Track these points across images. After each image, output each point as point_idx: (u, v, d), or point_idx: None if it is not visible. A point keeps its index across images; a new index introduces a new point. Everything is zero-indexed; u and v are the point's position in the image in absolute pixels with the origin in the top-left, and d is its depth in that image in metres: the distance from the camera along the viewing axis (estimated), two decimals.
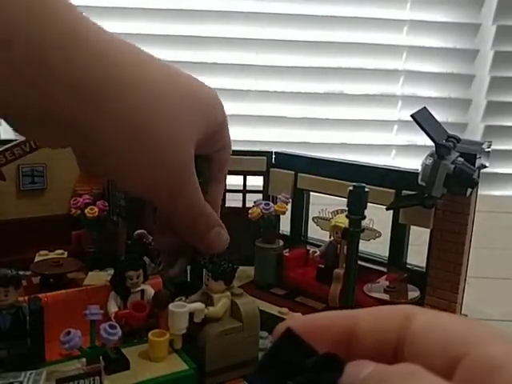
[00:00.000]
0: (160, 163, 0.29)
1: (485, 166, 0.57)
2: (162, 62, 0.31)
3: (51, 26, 0.24)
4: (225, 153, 0.37)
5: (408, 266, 0.65)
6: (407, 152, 1.49)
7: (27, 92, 0.25)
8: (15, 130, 0.28)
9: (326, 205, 0.68)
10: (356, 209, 0.49)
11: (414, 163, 0.61)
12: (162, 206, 0.36)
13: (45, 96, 0.25)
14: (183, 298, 0.49)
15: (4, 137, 1.41)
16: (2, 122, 1.17)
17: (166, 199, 0.33)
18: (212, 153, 0.36)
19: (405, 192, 0.61)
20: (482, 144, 0.57)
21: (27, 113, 0.26)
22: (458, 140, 0.56)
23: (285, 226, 0.74)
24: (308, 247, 0.70)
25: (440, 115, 0.85)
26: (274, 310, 0.62)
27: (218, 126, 0.34)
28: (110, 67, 0.26)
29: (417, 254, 0.65)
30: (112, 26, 0.27)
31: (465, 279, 0.61)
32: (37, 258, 0.68)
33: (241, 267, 0.61)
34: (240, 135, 1.05)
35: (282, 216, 0.73)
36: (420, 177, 0.55)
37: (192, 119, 0.31)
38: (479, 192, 0.59)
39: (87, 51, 0.26)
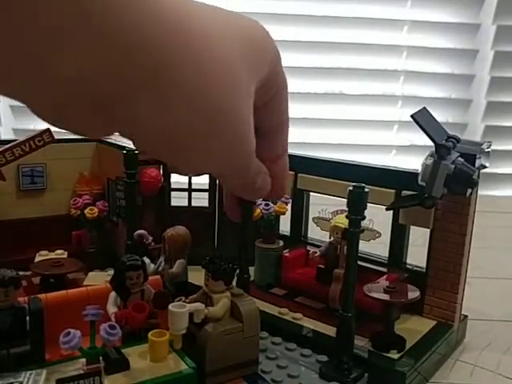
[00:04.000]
0: (220, 133, 0.26)
1: (485, 167, 0.57)
2: (211, 6, 0.27)
3: None
4: (282, 94, 0.31)
5: (408, 267, 0.65)
6: (407, 152, 1.49)
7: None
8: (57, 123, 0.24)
9: (326, 205, 0.68)
10: (356, 209, 0.49)
11: (414, 163, 0.61)
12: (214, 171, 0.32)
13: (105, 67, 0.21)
14: (183, 298, 0.49)
15: (4, 137, 1.41)
16: (2, 122, 1.18)
17: (222, 166, 0.29)
18: (268, 100, 0.31)
19: (405, 192, 0.61)
20: (482, 144, 0.57)
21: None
22: (458, 140, 0.56)
23: (285, 226, 0.75)
24: (308, 247, 0.70)
25: (440, 115, 0.85)
26: (273, 310, 0.62)
27: (273, 69, 0.29)
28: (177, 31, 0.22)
29: (417, 254, 0.65)
30: None
31: (465, 279, 0.61)
32: (37, 258, 0.68)
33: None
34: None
35: (281, 216, 0.73)
36: (420, 177, 0.55)
37: (252, 73, 0.27)
38: (479, 192, 0.59)
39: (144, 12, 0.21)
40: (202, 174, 0.34)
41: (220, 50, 0.25)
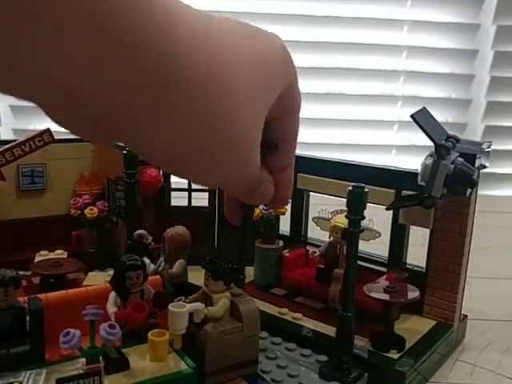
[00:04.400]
0: (229, 150, 0.25)
1: (484, 166, 0.57)
2: (228, 19, 0.27)
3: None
4: (295, 112, 0.31)
5: (408, 266, 0.65)
6: (407, 152, 1.49)
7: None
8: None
9: (326, 205, 0.68)
10: (355, 209, 0.49)
11: (413, 163, 0.61)
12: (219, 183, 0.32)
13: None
14: (183, 298, 0.49)
15: (4, 137, 1.41)
16: (2, 122, 1.18)
17: (227, 178, 0.29)
18: (282, 115, 0.31)
19: (404, 192, 0.61)
20: (482, 144, 0.57)
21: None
22: (458, 140, 0.56)
23: (284, 226, 0.75)
24: (308, 247, 0.70)
25: (440, 115, 0.85)
26: (273, 310, 0.62)
27: (290, 90, 0.29)
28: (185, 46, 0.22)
29: (416, 254, 0.65)
30: None
31: (464, 279, 0.61)
32: (37, 258, 0.68)
33: None
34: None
35: (281, 216, 0.73)
36: (420, 177, 0.55)
37: (265, 97, 0.27)
38: (479, 192, 0.59)
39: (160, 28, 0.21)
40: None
41: (235, 77, 0.24)
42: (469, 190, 0.55)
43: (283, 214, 0.72)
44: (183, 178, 0.29)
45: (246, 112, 0.25)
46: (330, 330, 0.55)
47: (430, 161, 0.54)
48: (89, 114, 0.22)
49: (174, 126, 0.23)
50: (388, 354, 0.53)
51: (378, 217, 0.61)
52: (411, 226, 0.64)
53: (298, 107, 0.32)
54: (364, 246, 0.60)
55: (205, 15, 0.25)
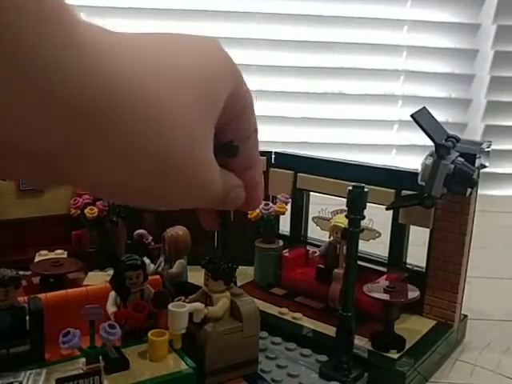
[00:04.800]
0: (179, 179, 0.25)
1: (485, 166, 0.57)
2: (156, 35, 0.26)
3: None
4: (245, 112, 0.31)
5: (408, 266, 0.65)
6: (407, 152, 1.49)
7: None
8: None
9: (326, 205, 0.68)
10: (356, 209, 0.49)
11: (414, 163, 0.61)
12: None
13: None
14: (183, 298, 0.49)
15: None
16: None
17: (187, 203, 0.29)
18: (232, 118, 0.30)
19: (404, 192, 0.61)
20: (482, 144, 0.57)
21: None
22: (458, 140, 0.56)
23: (284, 226, 0.75)
24: (308, 247, 0.70)
25: (440, 115, 0.85)
26: (273, 309, 0.62)
27: (235, 93, 0.28)
28: (111, 82, 0.21)
29: (416, 253, 0.65)
30: (108, 24, 0.25)
31: (465, 279, 0.61)
32: (37, 258, 0.68)
33: (241, 267, 0.61)
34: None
35: (281, 216, 0.73)
36: (420, 176, 0.55)
37: (209, 111, 0.26)
38: (479, 192, 0.59)
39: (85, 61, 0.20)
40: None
41: (173, 103, 0.24)
42: (469, 190, 0.55)
43: (283, 213, 0.72)
44: (135, 205, 0.28)
45: (188, 135, 0.25)
46: (330, 330, 0.55)
47: (430, 160, 0.54)
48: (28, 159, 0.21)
49: (111, 159, 0.23)
50: (388, 354, 0.53)
51: (378, 217, 0.61)
52: (411, 226, 0.64)
53: (250, 105, 0.31)
54: (364, 246, 0.60)
55: (130, 36, 0.24)
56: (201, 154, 0.26)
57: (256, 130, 0.33)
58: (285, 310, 0.62)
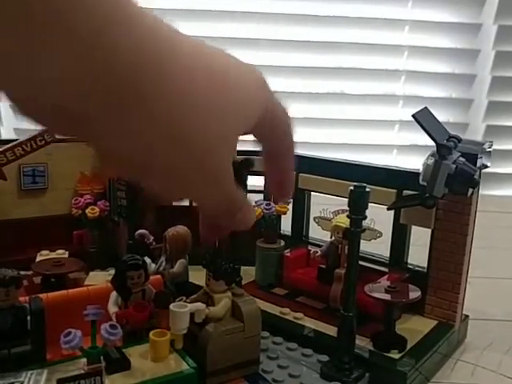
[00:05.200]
0: (201, 172, 0.27)
1: (486, 166, 0.57)
2: (214, 53, 0.28)
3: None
4: (279, 129, 0.34)
5: (409, 266, 0.65)
6: (409, 152, 1.49)
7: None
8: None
9: (327, 205, 0.68)
10: (357, 209, 0.49)
11: (415, 163, 0.60)
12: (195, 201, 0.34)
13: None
14: (184, 298, 0.49)
15: (5, 137, 1.41)
16: (4, 121, 1.17)
17: (201, 200, 0.31)
18: (267, 134, 0.33)
19: (406, 192, 0.61)
20: (484, 144, 0.57)
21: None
22: (459, 140, 0.56)
23: (286, 226, 0.74)
24: (309, 247, 0.70)
25: (441, 115, 0.85)
26: (275, 310, 0.62)
27: (267, 109, 0.31)
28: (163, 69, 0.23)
29: (418, 254, 0.65)
30: None
31: (466, 279, 0.61)
32: (38, 258, 0.68)
33: (242, 267, 0.61)
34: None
35: (283, 216, 0.73)
36: (421, 177, 0.55)
37: (239, 113, 0.28)
38: (480, 192, 0.59)
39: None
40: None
41: (215, 99, 0.26)
42: (470, 190, 0.55)
43: (285, 213, 0.72)
44: (149, 188, 0.29)
45: (220, 132, 0.27)
46: (332, 330, 0.55)
47: (431, 161, 0.54)
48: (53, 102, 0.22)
49: (134, 135, 0.24)
50: (389, 354, 0.53)
51: (379, 217, 0.61)
52: (412, 226, 0.64)
53: (286, 126, 0.34)
54: (365, 246, 0.60)
55: (197, 40, 0.27)
56: (223, 157, 0.27)
57: (292, 143, 0.36)
58: (286, 310, 0.62)
